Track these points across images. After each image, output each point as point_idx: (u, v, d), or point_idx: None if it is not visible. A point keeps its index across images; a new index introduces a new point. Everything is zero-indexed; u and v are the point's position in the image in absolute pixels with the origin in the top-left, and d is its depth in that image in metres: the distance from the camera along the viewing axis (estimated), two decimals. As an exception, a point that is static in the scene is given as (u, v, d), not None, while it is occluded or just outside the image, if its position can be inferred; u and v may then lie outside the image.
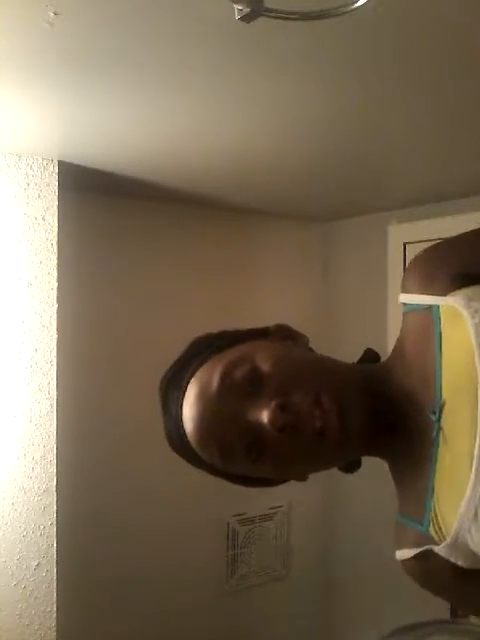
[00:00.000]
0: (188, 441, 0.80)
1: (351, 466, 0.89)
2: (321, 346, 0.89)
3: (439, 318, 0.77)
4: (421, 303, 0.80)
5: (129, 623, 2.20)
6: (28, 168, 1.71)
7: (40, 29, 1.01)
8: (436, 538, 0.74)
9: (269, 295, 2.52)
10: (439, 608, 1.93)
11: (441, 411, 0.74)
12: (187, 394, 0.80)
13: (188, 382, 0.80)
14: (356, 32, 1.02)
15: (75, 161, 1.76)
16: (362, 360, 0.88)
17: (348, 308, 2.66)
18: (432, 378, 0.76)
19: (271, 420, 0.74)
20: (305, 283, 2.67)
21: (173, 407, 0.82)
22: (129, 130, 1.54)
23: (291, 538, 2.63)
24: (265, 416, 0.75)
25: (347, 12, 0.60)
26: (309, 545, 2.68)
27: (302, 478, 0.86)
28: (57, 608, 1.74)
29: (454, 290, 0.77)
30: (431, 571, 0.76)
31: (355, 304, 2.62)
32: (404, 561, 0.78)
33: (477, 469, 0.69)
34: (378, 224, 2.47)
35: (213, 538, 2.43)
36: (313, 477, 0.85)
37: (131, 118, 1.46)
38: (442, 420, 0.74)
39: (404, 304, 0.84)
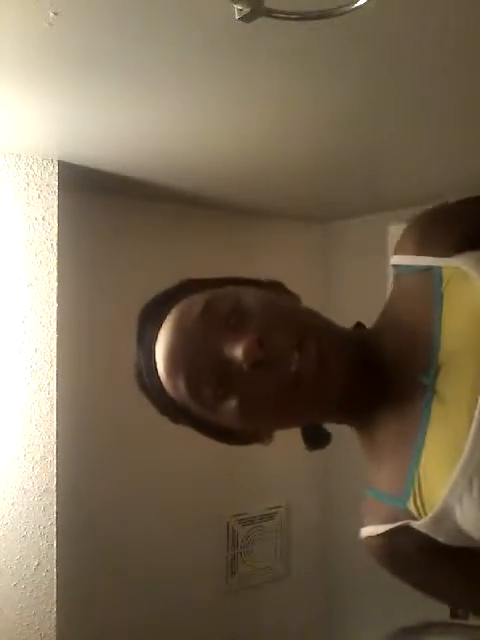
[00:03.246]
0: (157, 376, 0.76)
1: (318, 441, 0.83)
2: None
3: (440, 279, 0.74)
4: (418, 265, 0.77)
5: (129, 623, 2.19)
6: (28, 168, 1.70)
7: (40, 29, 1.01)
8: (415, 513, 0.69)
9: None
10: (439, 608, 1.93)
11: (436, 374, 0.71)
12: (164, 324, 0.75)
13: (168, 313, 0.76)
14: (356, 32, 1.02)
15: (75, 161, 1.76)
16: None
17: (348, 308, 2.64)
18: (427, 340, 0.73)
19: (246, 353, 0.69)
20: (305, 283, 2.65)
21: (147, 339, 0.78)
22: (129, 130, 1.54)
23: (291, 538, 2.63)
24: (240, 349, 0.69)
25: (347, 12, 0.60)
26: (309, 545, 2.68)
27: (266, 438, 0.80)
28: (57, 608, 1.74)
29: (455, 253, 0.75)
30: (399, 551, 0.72)
31: (355, 304, 2.61)
32: (369, 538, 0.74)
33: (477, 433, 0.65)
34: (378, 224, 2.47)
35: (213, 538, 2.43)
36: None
37: (131, 118, 1.46)
38: (437, 383, 0.70)
39: (395, 267, 0.81)
